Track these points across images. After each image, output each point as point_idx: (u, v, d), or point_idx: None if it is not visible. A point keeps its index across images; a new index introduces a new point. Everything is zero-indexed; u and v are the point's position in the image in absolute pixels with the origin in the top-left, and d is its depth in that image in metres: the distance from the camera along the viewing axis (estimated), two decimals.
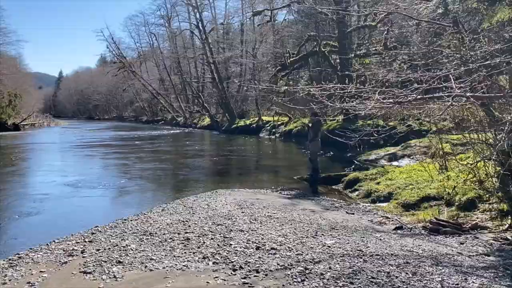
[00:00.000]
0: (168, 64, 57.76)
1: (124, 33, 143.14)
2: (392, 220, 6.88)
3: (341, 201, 8.85)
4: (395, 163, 15.42)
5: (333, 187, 10.70)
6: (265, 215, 6.83)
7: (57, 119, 73.19)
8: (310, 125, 11.62)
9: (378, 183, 9.70)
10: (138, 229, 5.93)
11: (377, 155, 17.02)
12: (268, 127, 32.58)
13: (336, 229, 6.03)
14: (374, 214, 7.50)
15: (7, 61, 45.55)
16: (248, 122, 36.30)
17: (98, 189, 10.55)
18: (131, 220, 6.50)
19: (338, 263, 4.46)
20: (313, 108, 11.10)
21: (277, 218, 6.62)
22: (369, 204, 8.62)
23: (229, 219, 6.49)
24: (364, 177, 10.37)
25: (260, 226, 6.03)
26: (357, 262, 4.52)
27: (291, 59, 23.71)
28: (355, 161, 15.95)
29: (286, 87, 15.79)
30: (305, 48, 25.70)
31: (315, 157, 11.52)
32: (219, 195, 8.77)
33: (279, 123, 31.66)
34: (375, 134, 7.05)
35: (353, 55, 24.21)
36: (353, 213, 7.47)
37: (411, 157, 15.69)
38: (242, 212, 6.99)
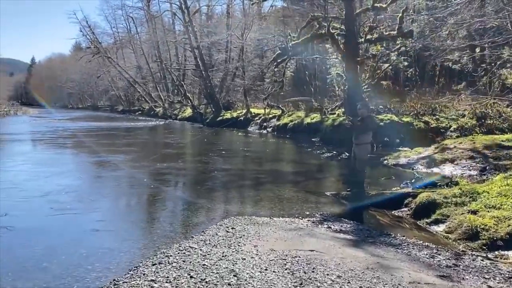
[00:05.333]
0: (146, 50, 53.37)
1: (100, 17, 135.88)
2: None
3: (437, 247, 5.48)
4: (435, 169, 12.17)
5: (394, 212, 7.34)
6: None
7: (26, 107, 68.45)
8: (357, 121, 8.12)
9: (475, 213, 6.36)
10: None
11: (408, 158, 13.68)
12: (258, 121, 29.36)
13: None
14: None
15: None
16: (235, 114, 32.74)
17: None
18: None
19: None
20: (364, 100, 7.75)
21: None
22: (485, 255, 5.28)
23: None
24: (443, 201, 6.99)
25: None
26: None
27: (293, 42, 20.31)
28: (386, 165, 12.78)
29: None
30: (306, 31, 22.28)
31: (363, 167, 8.10)
32: (241, 237, 5.26)
33: (270, 116, 28.34)
34: None
35: (363, 40, 20.99)
36: None
37: (456, 163, 12.40)
38: None
